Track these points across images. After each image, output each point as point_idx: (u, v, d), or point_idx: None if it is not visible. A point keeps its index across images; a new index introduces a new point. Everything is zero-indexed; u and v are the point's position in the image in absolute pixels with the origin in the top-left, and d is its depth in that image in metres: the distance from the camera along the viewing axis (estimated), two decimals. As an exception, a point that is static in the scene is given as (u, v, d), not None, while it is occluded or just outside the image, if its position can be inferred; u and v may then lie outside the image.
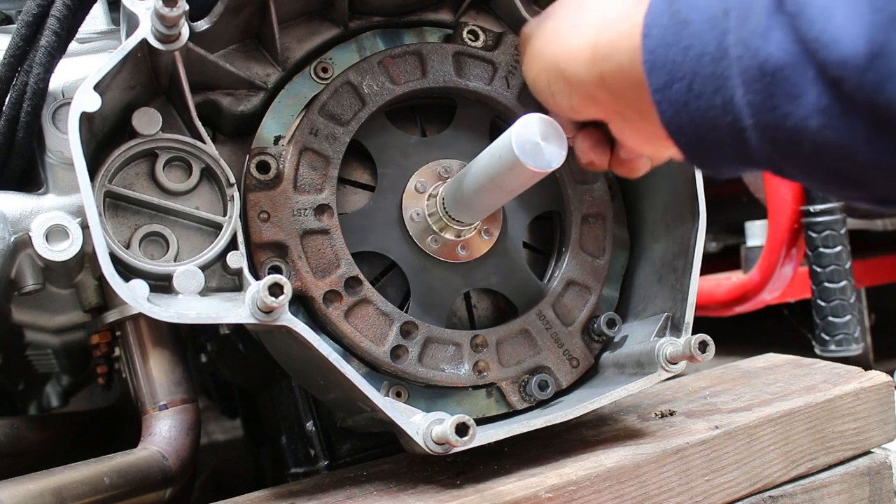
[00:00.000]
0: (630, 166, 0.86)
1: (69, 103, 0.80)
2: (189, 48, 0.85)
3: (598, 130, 0.84)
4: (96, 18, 1.10)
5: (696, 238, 1.00)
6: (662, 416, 1.07)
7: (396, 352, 0.95)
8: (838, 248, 1.81)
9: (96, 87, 0.78)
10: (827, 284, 1.82)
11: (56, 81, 0.95)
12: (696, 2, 0.61)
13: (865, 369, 1.14)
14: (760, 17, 0.55)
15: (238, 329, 1.18)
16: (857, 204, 0.70)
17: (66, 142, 0.95)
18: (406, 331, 0.96)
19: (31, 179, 1.00)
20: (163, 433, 1.03)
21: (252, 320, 0.80)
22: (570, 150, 0.84)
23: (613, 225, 1.09)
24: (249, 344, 1.22)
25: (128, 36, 0.82)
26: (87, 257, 0.94)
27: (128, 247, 0.86)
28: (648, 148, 0.81)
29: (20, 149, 0.95)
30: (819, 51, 0.51)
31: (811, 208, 1.84)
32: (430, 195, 1.01)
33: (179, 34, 0.80)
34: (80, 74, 0.97)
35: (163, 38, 0.80)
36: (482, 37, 1.05)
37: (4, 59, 0.92)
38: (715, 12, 0.59)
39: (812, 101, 0.53)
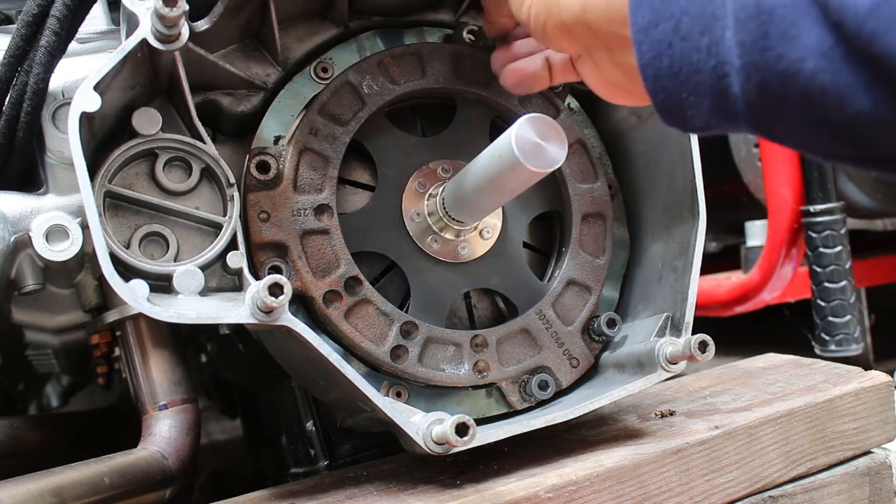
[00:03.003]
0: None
1: (69, 103, 0.80)
2: (189, 48, 0.85)
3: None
4: (96, 18, 1.10)
5: (696, 238, 1.00)
6: (662, 416, 1.07)
7: (396, 352, 0.95)
8: (838, 248, 1.81)
9: (96, 87, 0.78)
10: (827, 284, 1.82)
11: (56, 81, 0.95)
12: None
13: (865, 369, 1.14)
14: None
15: (238, 329, 1.18)
16: (840, 163, 0.68)
17: (66, 142, 0.95)
18: (406, 331, 0.96)
19: (31, 179, 1.00)
20: (163, 433, 1.03)
21: (252, 320, 0.80)
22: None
23: (613, 225, 1.09)
24: (249, 344, 1.22)
25: (128, 36, 0.82)
26: (87, 257, 0.94)
27: (128, 247, 0.86)
28: (606, 94, 0.80)
29: (20, 149, 0.95)
30: None
31: (811, 208, 1.84)
32: (430, 195, 1.01)
33: (179, 34, 0.80)
34: (80, 74, 0.97)
35: (163, 38, 0.80)
36: (482, 37, 1.05)
37: (4, 59, 0.92)
38: None
39: (809, 42, 0.51)
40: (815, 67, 0.52)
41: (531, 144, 0.80)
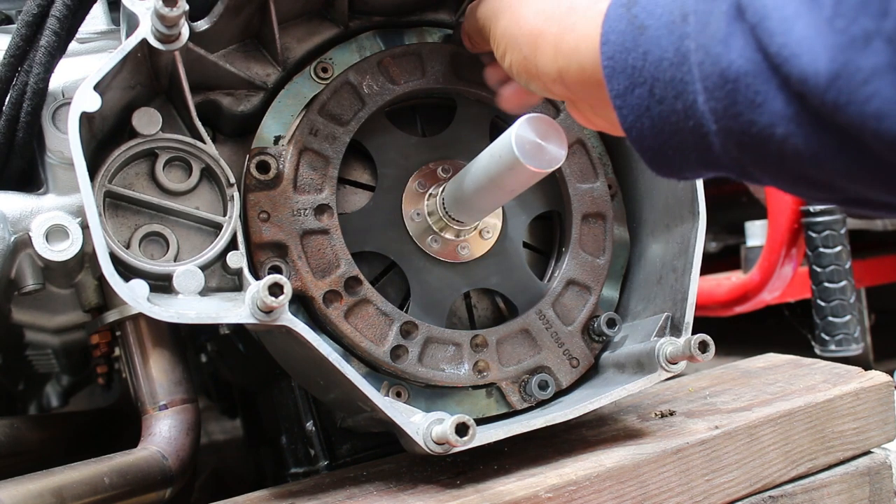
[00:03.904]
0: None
1: (69, 103, 0.80)
2: (189, 48, 0.85)
3: None
4: (96, 18, 1.10)
5: (696, 238, 1.00)
6: (662, 416, 1.07)
7: (396, 352, 0.95)
8: (838, 248, 1.81)
9: (96, 87, 0.78)
10: (827, 284, 1.82)
11: (56, 81, 0.95)
12: (653, 6, 0.61)
13: (865, 369, 1.14)
14: (721, 24, 0.54)
15: (238, 329, 1.17)
16: (825, 204, 0.71)
17: (66, 142, 0.95)
18: (406, 331, 0.96)
19: (31, 179, 1.00)
20: (163, 433, 1.03)
21: (252, 320, 0.80)
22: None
23: (613, 225, 1.09)
24: (249, 344, 1.22)
25: (128, 36, 0.82)
26: (87, 257, 0.94)
27: (128, 247, 0.86)
28: (596, 129, 0.83)
29: (20, 149, 0.95)
30: (781, 64, 0.50)
31: (811, 208, 1.84)
32: (430, 195, 1.01)
33: (179, 34, 0.80)
34: (80, 74, 0.97)
35: (163, 38, 0.80)
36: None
37: (4, 59, 0.92)
38: (673, 17, 0.58)
39: (776, 109, 0.52)
40: (785, 132, 0.52)
41: (531, 144, 0.80)
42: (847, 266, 1.82)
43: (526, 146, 0.79)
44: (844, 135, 0.49)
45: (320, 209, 0.94)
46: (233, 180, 0.90)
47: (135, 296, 0.78)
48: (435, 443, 0.83)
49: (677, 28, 0.58)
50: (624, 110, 0.64)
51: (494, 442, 0.89)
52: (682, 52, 0.57)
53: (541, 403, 1.02)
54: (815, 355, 1.73)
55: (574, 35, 0.71)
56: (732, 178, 0.63)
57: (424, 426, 0.84)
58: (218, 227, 0.89)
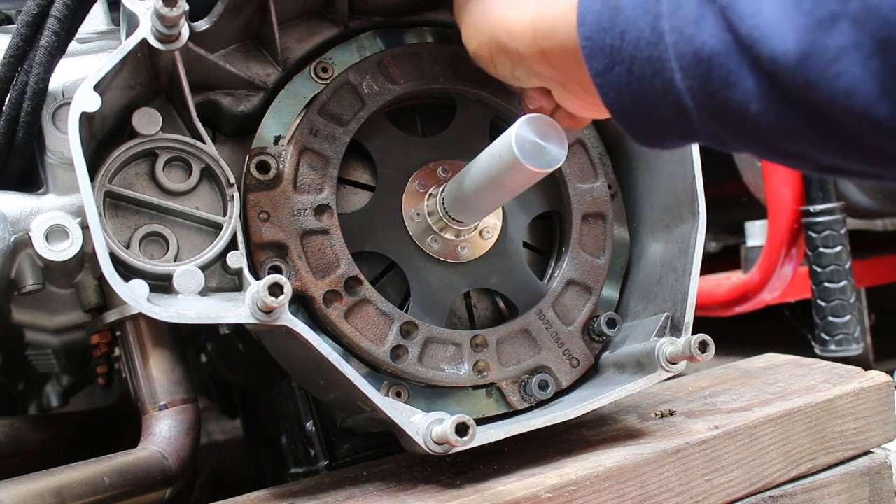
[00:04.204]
0: (575, 120, 0.91)
1: (69, 103, 0.80)
2: (189, 48, 0.85)
3: None
4: (96, 18, 1.10)
5: (696, 238, 1.00)
6: (662, 416, 1.07)
7: (396, 352, 0.95)
8: (838, 248, 1.81)
9: (96, 87, 0.78)
10: (827, 284, 1.82)
11: (56, 81, 0.95)
12: None
13: (865, 369, 1.14)
14: (692, 5, 0.56)
15: (238, 329, 1.18)
16: (802, 171, 0.75)
17: (66, 142, 0.95)
18: (406, 331, 0.96)
19: (31, 179, 0.99)
20: (163, 433, 1.03)
21: (252, 320, 0.80)
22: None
23: (613, 225, 1.09)
24: (249, 344, 1.22)
25: (128, 36, 0.82)
26: (87, 257, 0.94)
27: (128, 247, 0.86)
28: (589, 114, 0.84)
29: (20, 149, 0.95)
30: (752, 45, 0.52)
31: (811, 208, 1.84)
32: (430, 195, 1.01)
33: (179, 34, 0.80)
34: (80, 74, 0.97)
35: (163, 38, 0.80)
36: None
37: (4, 59, 0.92)
38: None
39: (749, 87, 0.54)
40: (758, 109, 0.54)
41: (531, 144, 0.80)
42: (847, 266, 1.82)
43: (526, 146, 0.79)
44: (815, 111, 0.52)
45: (320, 209, 0.94)
46: (233, 180, 0.90)
47: (135, 296, 0.78)
48: (435, 443, 0.83)
49: (652, 8, 0.60)
50: (605, 88, 0.66)
51: (494, 442, 0.89)
52: (658, 32, 0.59)
53: (541, 403, 1.02)
54: (815, 355, 1.72)
55: (549, 14, 0.72)
56: (714, 148, 0.65)
57: (424, 426, 0.84)
58: (218, 227, 0.89)
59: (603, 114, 0.79)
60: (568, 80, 0.77)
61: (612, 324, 1.04)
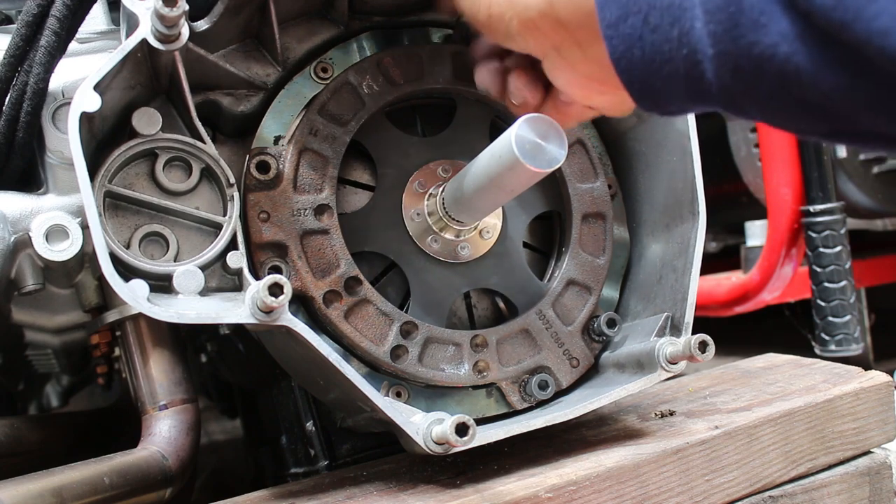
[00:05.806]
0: (564, 112, 0.85)
1: (69, 103, 0.80)
2: (189, 48, 0.85)
3: (533, 69, 0.84)
4: (96, 18, 1.10)
5: (696, 238, 1.00)
6: (662, 416, 1.07)
7: (396, 352, 0.95)
8: (838, 248, 1.81)
9: (96, 87, 0.78)
10: (827, 284, 1.82)
11: (56, 81, 0.95)
12: None
13: (865, 369, 1.14)
14: None
15: (238, 329, 1.18)
16: (809, 138, 0.71)
17: (66, 142, 0.95)
18: (406, 331, 0.96)
19: (31, 179, 1.00)
20: (163, 433, 1.03)
21: (252, 320, 0.80)
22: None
23: (613, 225, 1.09)
24: (249, 344, 1.22)
25: (128, 36, 0.82)
26: (87, 257, 0.94)
27: (128, 247, 0.86)
28: (580, 91, 0.78)
29: (20, 149, 0.95)
30: None
31: (811, 208, 1.84)
32: (430, 195, 1.01)
33: (179, 34, 0.80)
34: (80, 74, 0.97)
35: (163, 38, 0.80)
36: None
37: (4, 59, 0.92)
38: None
39: (780, 29, 0.53)
40: (788, 51, 0.53)
41: (531, 144, 0.80)
42: (847, 266, 1.82)
43: (526, 146, 0.79)
44: (848, 52, 0.51)
45: (320, 209, 0.94)
46: (233, 180, 0.90)
47: (135, 296, 0.78)
48: (435, 443, 0.83)
49: None
50: (615, 40, 0.63)
51: (494, 442, 0.89)
52: None
53: (541, 403, 1.02)
54: (815, 355, 1.72)
55: None
56: (718, 111, 0.63)
57: (424, 426, 0.84)
58: (218, 227, 0.89)
59: (592, 91, 0.76)
60: (567, 39, 0.72)
61: (612, 324, 1.04)
